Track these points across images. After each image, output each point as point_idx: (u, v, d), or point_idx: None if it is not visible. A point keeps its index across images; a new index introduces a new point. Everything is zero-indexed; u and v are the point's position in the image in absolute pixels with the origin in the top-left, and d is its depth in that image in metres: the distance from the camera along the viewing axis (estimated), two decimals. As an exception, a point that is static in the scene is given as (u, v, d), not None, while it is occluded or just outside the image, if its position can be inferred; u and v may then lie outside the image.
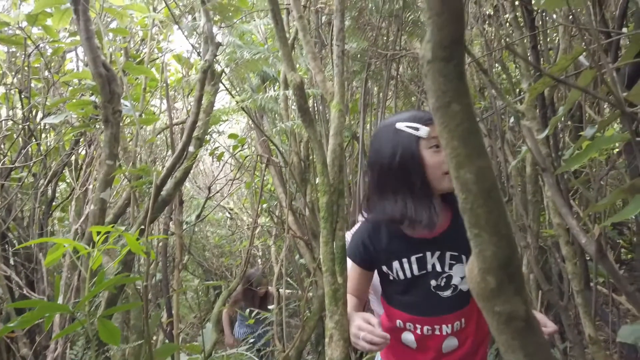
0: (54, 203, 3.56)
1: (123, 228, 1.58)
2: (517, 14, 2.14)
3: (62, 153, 3.28)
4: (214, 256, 6.93)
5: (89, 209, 2.30)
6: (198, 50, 2.25)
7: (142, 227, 1.97)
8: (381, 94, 3.26)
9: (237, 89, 3.10)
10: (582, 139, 1.18)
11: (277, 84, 3.17)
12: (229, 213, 6.38)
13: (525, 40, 2.01)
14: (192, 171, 6.95)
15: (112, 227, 1.43)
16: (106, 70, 2.10)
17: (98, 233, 1.42)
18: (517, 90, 2.68)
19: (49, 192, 3.50)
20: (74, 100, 2.15)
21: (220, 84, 2.30)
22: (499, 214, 0.43)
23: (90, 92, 2.33)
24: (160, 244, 2.99)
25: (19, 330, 2.32)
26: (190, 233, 5.00)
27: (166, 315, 2.96)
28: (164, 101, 3.74)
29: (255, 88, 3.15)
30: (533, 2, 1.93)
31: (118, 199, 2.38)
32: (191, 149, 2.15)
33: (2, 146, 3.14)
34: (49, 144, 3.26)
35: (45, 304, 1.32)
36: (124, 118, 2.98)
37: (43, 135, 3.30)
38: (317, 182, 2.06)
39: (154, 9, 2.88)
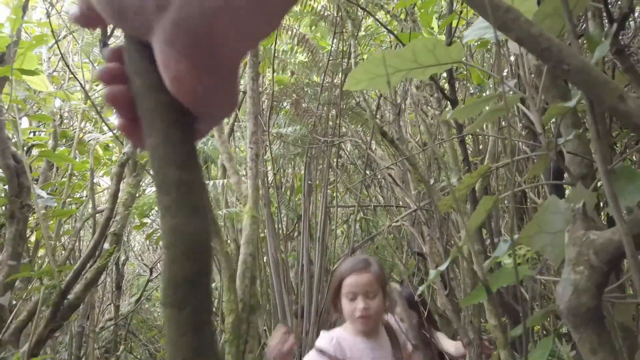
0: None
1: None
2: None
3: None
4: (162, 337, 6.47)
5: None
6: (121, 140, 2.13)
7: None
8: (325, 176, 3.20)
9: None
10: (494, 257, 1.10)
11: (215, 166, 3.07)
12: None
13: (452, 138, 2.01)
14: (139, 247, 6.65)
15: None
16: (16, 162, 1.95)
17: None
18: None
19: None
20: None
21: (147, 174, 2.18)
22: None
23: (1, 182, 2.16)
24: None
25: None
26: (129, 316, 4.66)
27: None
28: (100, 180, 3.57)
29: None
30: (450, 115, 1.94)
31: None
32: (106, 246, 1.98)
33: None
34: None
35: None
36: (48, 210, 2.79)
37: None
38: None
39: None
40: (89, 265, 1.93)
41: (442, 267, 0.95)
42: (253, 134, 1.47)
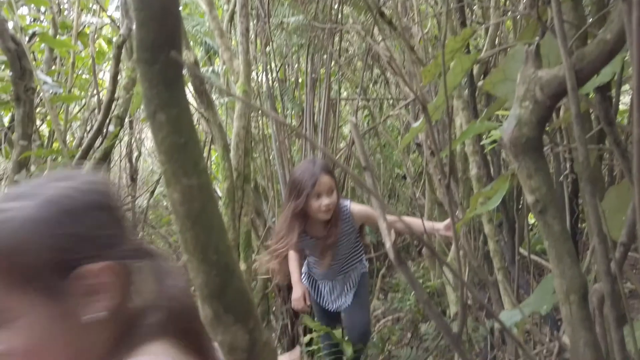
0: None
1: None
2: None
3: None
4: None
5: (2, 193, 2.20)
6: (117, 24, 2.13)
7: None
8: (328, 67, 3.17)
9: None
10: (471, 124, 1.15)
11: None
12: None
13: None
14: (151, 145, 6.80)
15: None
16: (15, 45, 1.98)
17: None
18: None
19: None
20: (-18, 77, 2.02)
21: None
22: (208, 240, 0.39)
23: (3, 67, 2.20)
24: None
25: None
26: (145, 208, 4.91)
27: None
28: (105, 75, 3.59)
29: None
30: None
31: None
32: (111, 128, 2.06)
33: None
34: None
35: None
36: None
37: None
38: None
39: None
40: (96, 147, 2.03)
41: (416, 124, 1.00)
42: (243, 7, 1.46)
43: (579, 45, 0.83)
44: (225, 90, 2.27)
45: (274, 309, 3.07)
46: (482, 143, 1.87)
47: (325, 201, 1.89)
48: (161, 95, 0.38)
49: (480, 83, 1.92)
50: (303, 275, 2.30)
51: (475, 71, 2.15)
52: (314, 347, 2.95)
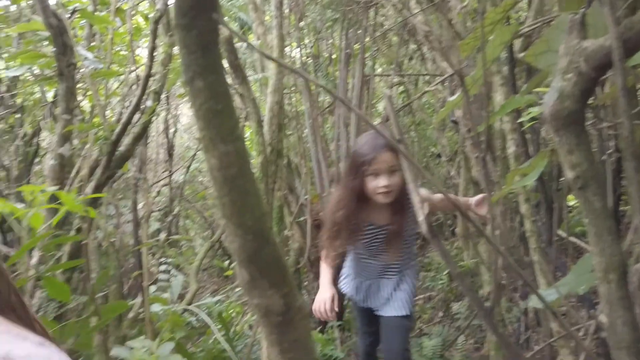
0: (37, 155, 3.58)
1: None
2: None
3: (44, 104, 3.26)
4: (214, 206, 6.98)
5: (48, 164, 2.30)
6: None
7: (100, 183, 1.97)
8: (362, 42, 3.12)
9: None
10: (511, 99, 1.12)
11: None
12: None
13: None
14: (188, 122, 6.93)
15: (45, 187, 1.42)
16: (57, 21, 2.03)
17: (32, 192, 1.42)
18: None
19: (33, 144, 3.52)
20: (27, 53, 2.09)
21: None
22: (245, 205, 0.40)
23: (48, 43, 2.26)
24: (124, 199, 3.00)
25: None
26: (181, 183, 5.03)
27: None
28: (142, 51, 3.66)
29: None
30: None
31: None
32: (149, 103, 2.10)
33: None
34: (25, 96, 3.23)
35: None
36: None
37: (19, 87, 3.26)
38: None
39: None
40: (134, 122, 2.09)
41: (453, 98, 0.98)
42: (277, -20, 1.45)
43: (627, 13, 0.79)
44: (265, 55, 2.27)
45: (305, 283, 3.12)
46: (520, 120, 1.81)
47: (382, 182, 1.60)
48: (199, 62, 0.38)
49: (522, 55, 1.85)
50: (345, 276, 1.98)
51: (516, 46, 2.07)
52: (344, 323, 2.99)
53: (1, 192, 3.14)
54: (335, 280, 1.87)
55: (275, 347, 0.43)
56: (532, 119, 1.63)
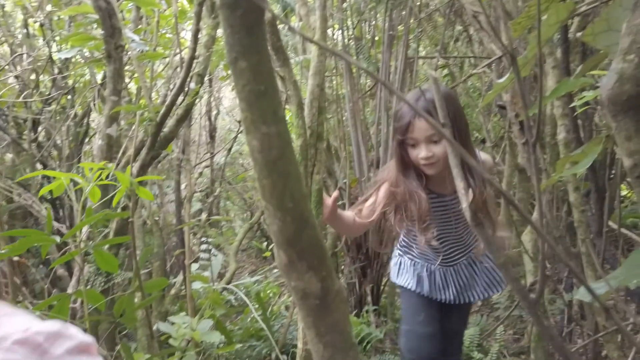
0: (87, 135, 3.72)
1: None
2: None
3: (94, 85, 3.38)
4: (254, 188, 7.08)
5: (96, 145, 2.38)
6: (199, -18, 2.16)
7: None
8: (406, 23, 3.05)
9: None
10: (564, 81, 1.06)
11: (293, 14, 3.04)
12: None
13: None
14: (229, 104, 7.02)
15: (104, 164, 1.48)
16: (106, 3, 2.08)
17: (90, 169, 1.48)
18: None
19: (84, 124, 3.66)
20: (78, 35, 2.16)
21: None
22: (285, 187, 0.40)
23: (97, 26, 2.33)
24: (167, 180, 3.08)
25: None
26: (222, 165, 5.12)
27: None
28: (187, 34, 3.71)
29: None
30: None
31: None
32: (192, 85, 2.14)
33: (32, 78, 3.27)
34: (75, 77, 3.35)
35: (33, 232, 1.41)
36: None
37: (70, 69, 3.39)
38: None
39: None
40: (178, 103, 2.13)
41: (501, 80, 0.94)
42: (320, -41, 1.42)
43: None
44: (306, 37, 2.26)
45: (342, 267, 3.13)
46: (572, 105, 1.73)
47: (422, 152, 1.39)
48: (243, 42, 0.38)
49: (579, 34, 1.75)
50: (398, 266, 1.71)
51: (571, 26, 1.97)
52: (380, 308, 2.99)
53: (53, 170, 3.29)
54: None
55: (311, 330, 0.43)
56: (585, 103, 1.55)
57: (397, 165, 1.47)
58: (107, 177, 1.49)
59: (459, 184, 0.60)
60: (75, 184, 1.55)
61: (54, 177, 1.49)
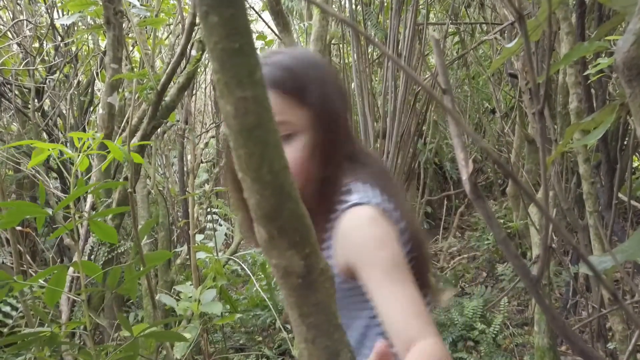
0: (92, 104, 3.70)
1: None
2: None
3: (97, 53, 3.33)
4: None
5: (97, 114, 2.36)
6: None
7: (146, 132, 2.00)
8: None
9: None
10: (578, 46, 1.01)
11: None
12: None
13: None
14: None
15: (93, 134, 1.45)
16: (104, -32, 2.02)
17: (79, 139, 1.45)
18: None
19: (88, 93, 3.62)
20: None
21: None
22: (262, 158, 0.36)
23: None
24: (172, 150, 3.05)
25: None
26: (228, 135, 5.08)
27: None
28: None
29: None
30: None
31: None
32: (193, 52, 2.08)
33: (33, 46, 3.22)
34: (77, 45, 3.29)
35: (24, 204, 1.39)
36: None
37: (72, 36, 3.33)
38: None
39: None
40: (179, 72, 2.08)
41: (511, 44, 0.88)
42: None
43: None
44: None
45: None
46: (586, 73, 1.66)
47: None
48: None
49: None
50: None
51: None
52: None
53: (58, 139, 3.28)
54: None
55: (294, 311, 0.41)
56: (600, 71, 1.49)
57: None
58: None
59: (459, 155, 0.57)
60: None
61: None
